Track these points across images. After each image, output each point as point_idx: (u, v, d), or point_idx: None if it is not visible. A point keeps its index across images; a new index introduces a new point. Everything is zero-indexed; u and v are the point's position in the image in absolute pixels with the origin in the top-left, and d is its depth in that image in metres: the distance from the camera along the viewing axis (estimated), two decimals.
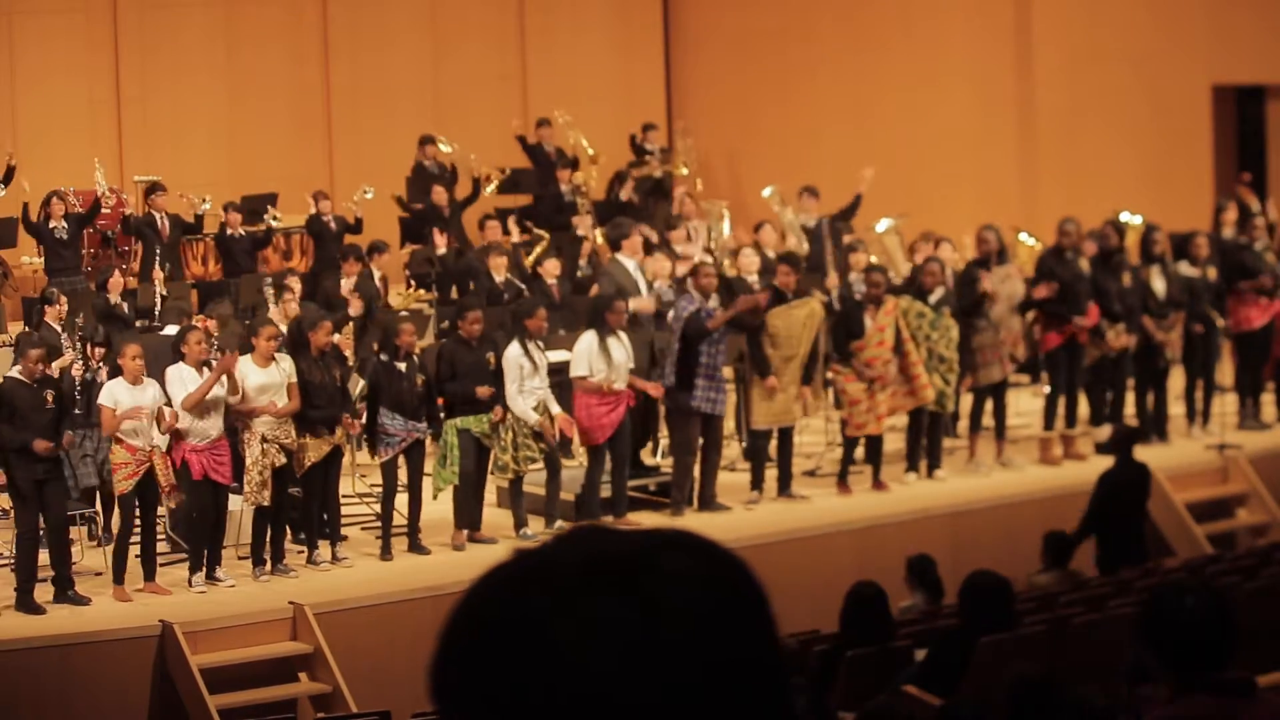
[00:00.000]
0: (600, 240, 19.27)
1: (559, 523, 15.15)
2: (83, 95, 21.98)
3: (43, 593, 13.54)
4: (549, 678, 1.72)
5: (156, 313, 16.93)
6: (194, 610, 13.49)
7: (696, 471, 15.81)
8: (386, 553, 14.67)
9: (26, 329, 15.82)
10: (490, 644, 1.77)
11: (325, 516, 14.53)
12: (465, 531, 14.95)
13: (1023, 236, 20.45)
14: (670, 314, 15.87)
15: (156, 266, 17.51)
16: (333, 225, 19.43)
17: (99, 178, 18.59)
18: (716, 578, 1.80)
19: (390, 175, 21.79)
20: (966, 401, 17.57)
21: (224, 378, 13.76)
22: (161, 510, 14.13)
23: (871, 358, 16.08)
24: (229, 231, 18.95)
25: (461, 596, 1.86)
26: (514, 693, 1.73)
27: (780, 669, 1.81)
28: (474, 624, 1.81)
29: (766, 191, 20.26)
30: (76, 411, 14.10)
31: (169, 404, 13.68)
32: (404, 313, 17.04)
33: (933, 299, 16.51)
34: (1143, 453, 16.51)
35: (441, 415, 14.81)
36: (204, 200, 19.00)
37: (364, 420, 14.57)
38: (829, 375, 16.64)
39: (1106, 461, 16.00)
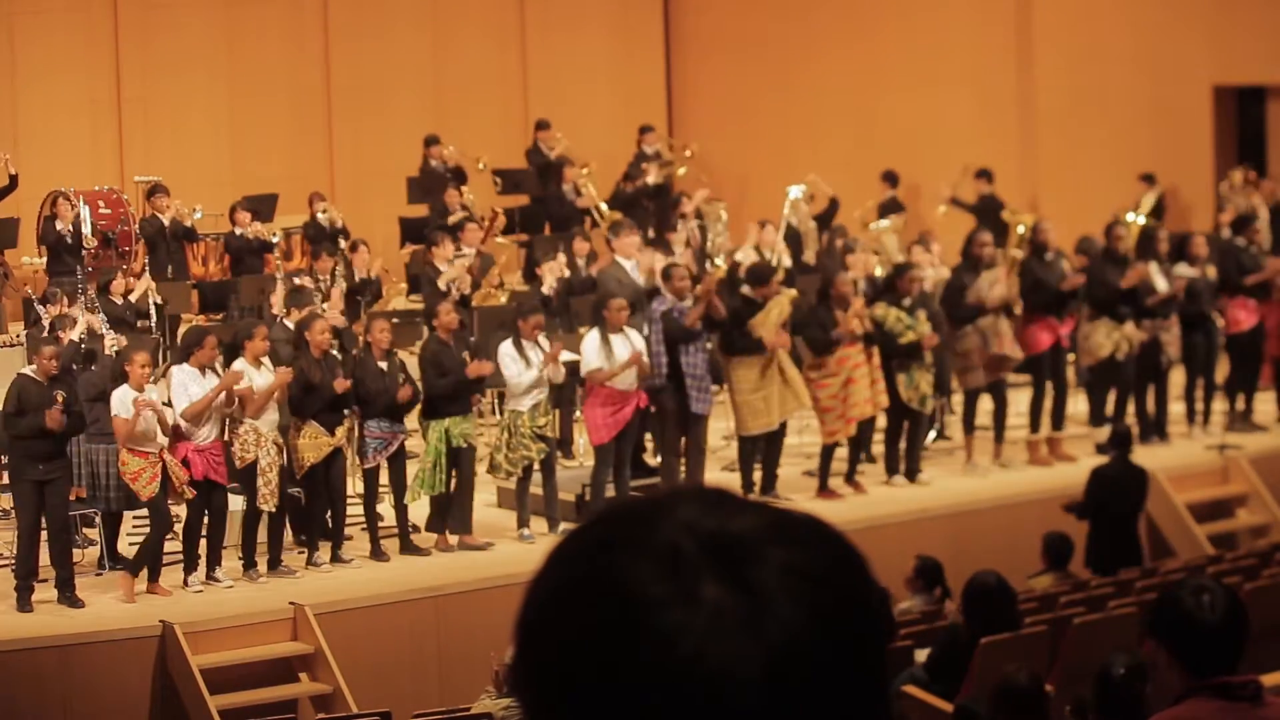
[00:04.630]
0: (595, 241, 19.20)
1: (562, 525, 15.11)
2: (83, 94, 21.96)
3: (46, 593, 13.54)
4: (635, 642, 1.71)
5: (152, 315, 16.79)
6: (195, 611, 13.48)
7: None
8: (378, 554, 14.63)
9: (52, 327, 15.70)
10: (582, 600, 1.75)
11: (330, 517, 14.53)
12: (456, 537, 14.91)
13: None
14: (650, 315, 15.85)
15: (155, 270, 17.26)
16: (327, 228, 19.35)
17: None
18: (826, 582, 1.76)
19: (390, 175, 21.78)
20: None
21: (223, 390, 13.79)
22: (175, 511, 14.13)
23: (843, 358, 16.03)
24: (238, 231, 18.69)
25: (566, 538, 1.82)
26: (594, 649, 1.72)
27: (876, 690, 1.77)
28: (569, 576, 1.78)
29: (794, 192, 20.05)
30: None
31: (168, 404, 13.72)
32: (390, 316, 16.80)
33: (907, 302, 16.44)
34: (1144, 453, 16.50)
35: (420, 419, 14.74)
36: (194, 210, 18.76)
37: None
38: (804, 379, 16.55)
39: (1099, 461, 15.99)
